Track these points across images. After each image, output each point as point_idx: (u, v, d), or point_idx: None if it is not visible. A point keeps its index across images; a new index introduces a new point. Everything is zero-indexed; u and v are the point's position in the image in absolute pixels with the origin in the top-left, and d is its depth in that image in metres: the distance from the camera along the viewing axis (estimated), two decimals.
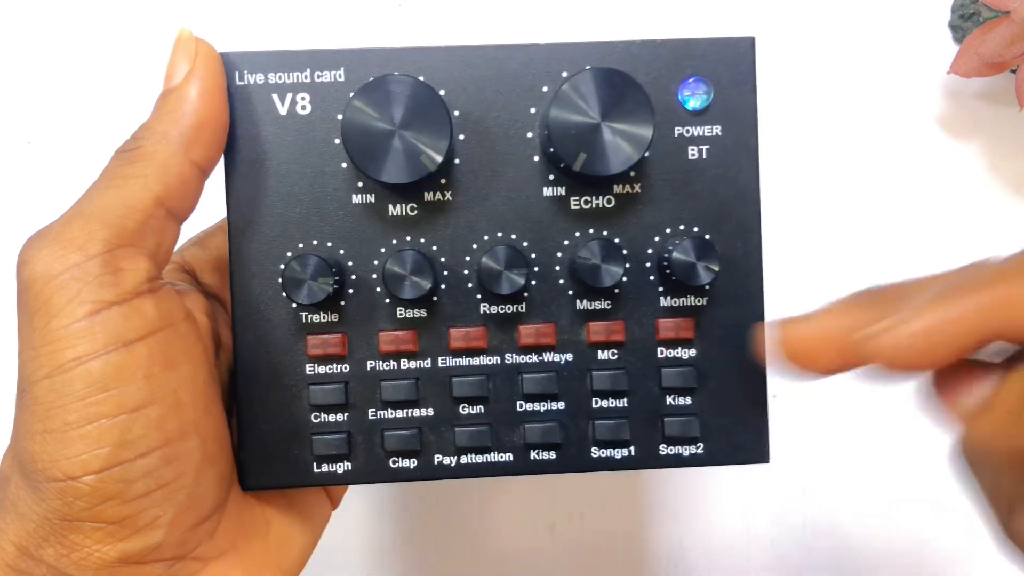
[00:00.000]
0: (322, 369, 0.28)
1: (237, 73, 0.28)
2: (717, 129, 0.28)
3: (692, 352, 0.29)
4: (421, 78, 0.27)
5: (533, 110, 0.28)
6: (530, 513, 0.47)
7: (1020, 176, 0.47)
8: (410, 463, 0.28)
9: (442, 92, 0.28)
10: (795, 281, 0.45)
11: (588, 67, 0.27)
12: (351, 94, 0.27)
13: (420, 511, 0.47)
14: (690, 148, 0.28)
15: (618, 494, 0.47)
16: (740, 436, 0.29)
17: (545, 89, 0.28)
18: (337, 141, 0.28)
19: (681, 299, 0.29)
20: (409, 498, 0.46)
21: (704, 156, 0.28)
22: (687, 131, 0.28)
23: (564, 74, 0.28)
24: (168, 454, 0.24)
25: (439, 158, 0.26)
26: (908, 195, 0.47)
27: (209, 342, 0.28)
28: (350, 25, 0.46)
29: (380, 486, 0.46)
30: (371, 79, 0.27)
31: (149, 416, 0.24)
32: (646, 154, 0.27)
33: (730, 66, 0.28)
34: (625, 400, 0.29)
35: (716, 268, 0.27)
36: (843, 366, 0.23)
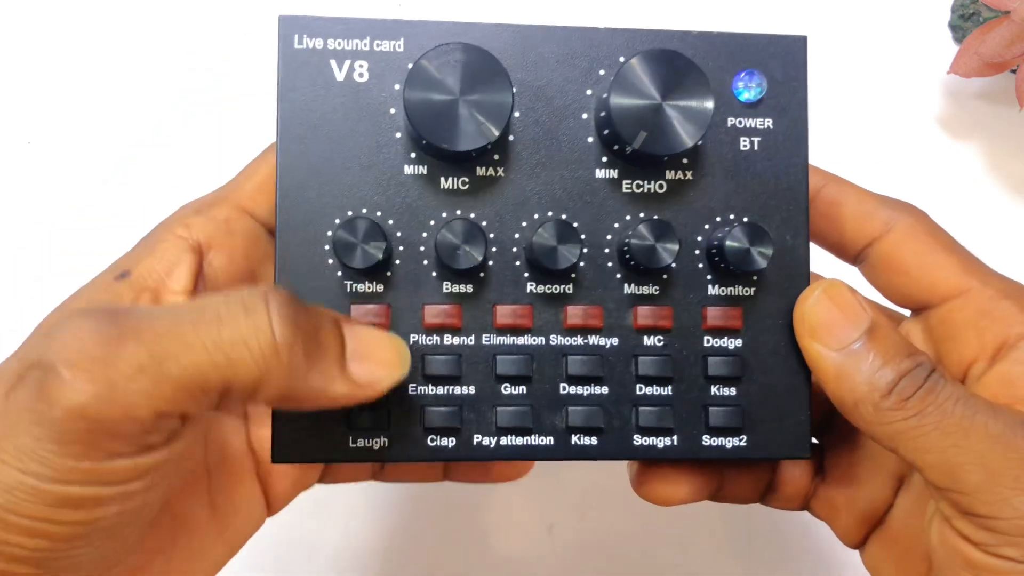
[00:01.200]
0: None
1: (296, 36, 0.27)
2: (769, 122, 0.29)
3: (739, 342, 0.28)
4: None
5: (589, 92, 0.28)
6: (530, 513, 0.46)
7: (1020, 176, 0.48)
8: (448, 442, 0.28)
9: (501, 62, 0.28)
10: None
11: (644, 49, 0.28)
12: (410, 66, 0.27)
13: (420, 511, 0.45)
14: (742, 139, 0.29)
15: (618, 494, 0.45)
16: (782, 430, 0.28)
17: (602, 72, 0.28)
18: (393, 111, 0.27)
19: (729, 288, 0.29)
20: (409, 498, 0.45)
21: (756, 148, 0.29)
22: (740, 122, 0.29)
23: (621, 59, 0.28)
24: (105, 540, 0.22)
25: (500, 126, 0.26)
26: (908, 195, 0.47)
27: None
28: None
29: (380, 486, 0.45)
30: (438, 45, 0.27)
31: (103, 526, 0.21)
32: (700, 142, 0.27)
33: (783, 62, 0.29)
34: (670, 387, 0.28)
35: (770, 252, 0.27)
36: None
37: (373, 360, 0.24)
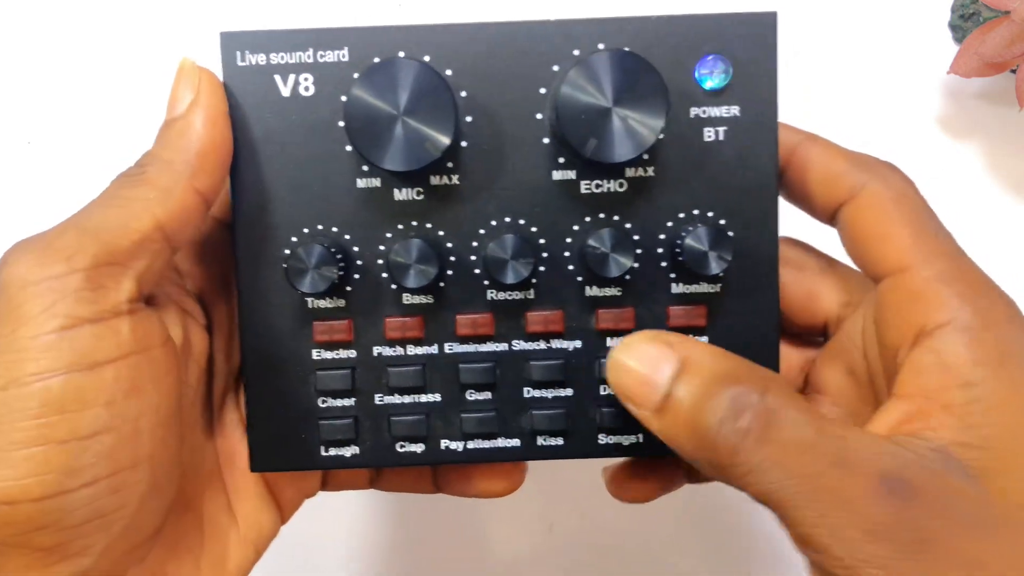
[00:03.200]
0: (329, 355, 0.28)
1: (238, 53, 0.27)
2: (735, 110, 0.27)
3: (704, 339, 0.28)
4: (427, 58, 0.27)
5: (543, 90, 0.27)
6: (530, 513, 0.47)
7: (1020, 176, 0.47)
8: (417, 448, 0.28)
9: (448, 72, 0.27)
10: None
11: (601, 47, 0.26)
12: (356, 76, 0.26)
13: (420, 511, 0.47)
14: (706, 130, 0.27)
15: None
16: None
17: (556, 68, 0.27)
18: (341, 124, 0.27)
19: (693, 286, 0.28)
20: (408, 498, 0.46)
21: (721, 138, 0.27)
22: (704, 112, 0.27)
23: (576, 53, 0.27)
24: (114, 484, 0.23)
25: (444, 144, 0.25)
26: None
27: (183, 368, 0.27)
28: (349, 25, 0.45)
29: None
30: (375, 61, 0.26)
31: (103, 444, 0.23)
32: (660, 136, 0.26)
33: (751, 43, 0.27)
34: None
35: (729, 258, 0.26)
36: None
37: None
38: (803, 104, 0.45)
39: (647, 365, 0.24)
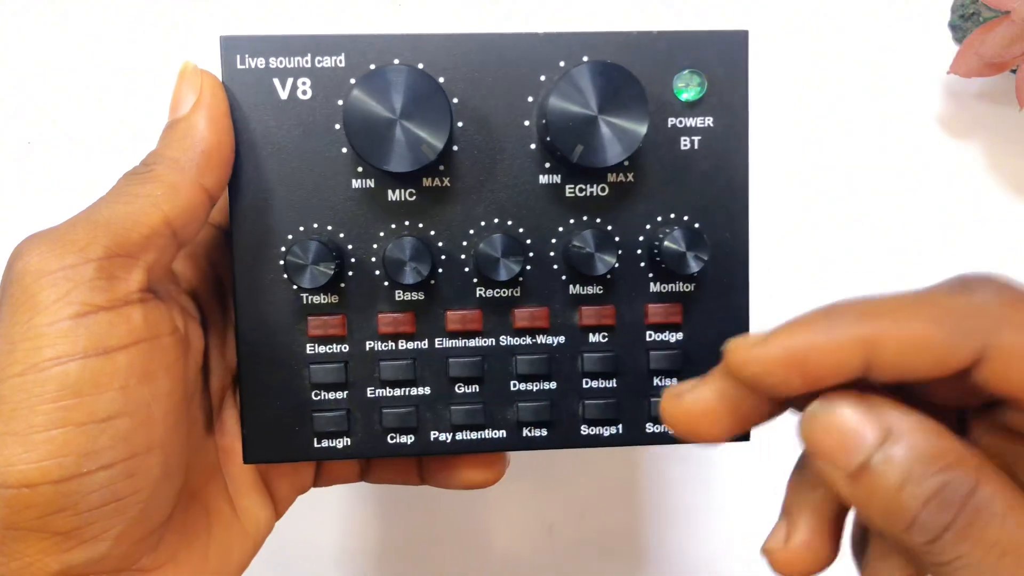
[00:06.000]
0: (322, 349, 0.29)
1: (238, 57, 0.28)
2: (709, 120, 0.29)
3: (679, 336, 0.30)
4: (420, 66, 0.28)
5: (530, 99, 0.29)
6: (530, 513, 0.47)
7: (1020, 176, 0.47)
8: (407, 439, 0.30)
9: (441, 79, 0.28)
10: (795, 280, 0.46)
11: (587, 59, 0.28)
12: (352, 81, 0.28)
13: (419, 510, 0.47)
14: (683, 139, 0.29)
15: (618, 494, 0.47)
16: None
17: (543, 78, 0.29)
18: (337, 126, 0.28)
19: (670, 285, 0.30)
20: (408, 498, 0.47)
21: (696, 147, 0.29)
22: (680, 122, 0.29)
23: (562, 64, 0.28)
24: (130, 468, 0.24)
25: (439, 147, 0.27)
26: (908, 195, 0.47)
27: (190, 357, 0.28)
28: (349, 25, 0.45)
29: (380, 485, 0.47)
30: (372, 67, 0.27)
31: (118, 427, 0.23)
32: (639, 146, 0.28)
33: (724, 59, 0.29)
34: (614, 381, 0.30)
35: (706, 257, 0.28)
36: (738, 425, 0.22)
37: None
38: (804, 104, 0.47)
39: (849, 426, 0.20)
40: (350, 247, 0.29)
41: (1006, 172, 0.48)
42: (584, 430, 0.30)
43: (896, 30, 0.47)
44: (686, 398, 0.22)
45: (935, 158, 0.48)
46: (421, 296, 0.29)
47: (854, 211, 0.48)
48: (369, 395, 0.29)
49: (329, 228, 0.29)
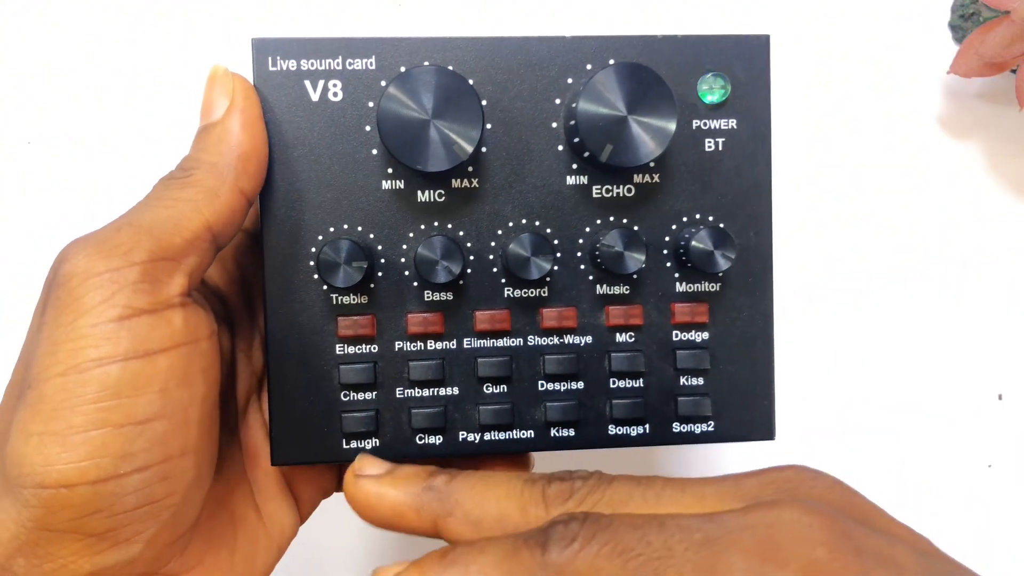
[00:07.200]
0: (352, 349, 0.29)
1: (270, 59, 0.28)
2: (733, 123, 0.30)
3: (705, 335, 0.30)
4: (450, 68, 0.28)
5: (558, 101, 0.29)
6: None
7: (1020, 176, 0.48)
8: (436, 440, 0.30)
9: (470, 82, 0.28)
10: (796, 280, 0.47)
11: (614, 62, 0.28)
12: (383, 83, 0.28)
13: None
14: (707, 140, 0.30)
15: None
16: (749, 414, 0.30)
17: (570, 81, 0.29)
18: (368, 128, 0.28)
19: (696, 285, 0.30)
20: None
21: (720, 148, 0.30)
22: (704, 124, 0.30)
23: (588, 67, 0.29)
24: (165, 471, 0.24)
25: (471, 147, 0.27)
26: (908, 195, 0.48)
27: (220, 361, 0.28)
28: (348, 26, 0.46)
29: None
30: (404, 69, 0.28)
31: (155, 430, 0.23)
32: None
33: (746, 62, 0.30)
34: (641, 380, 0.30)
35: (733, 256, 0.28)
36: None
37: None
38: (804, 104, 0.47)
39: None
40: (380, 247, 0.29)
41: (1006, 172, 0.48)
42: (612, 430, 0.30)
43: (896, 30, 0.48)
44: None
45: (935, 158, 0.48)
46: (450, 296, 0.29)
47: (854, 210, 0.48)
48: (398, 395, 0.29)
49: (359, 229, 0.29)
